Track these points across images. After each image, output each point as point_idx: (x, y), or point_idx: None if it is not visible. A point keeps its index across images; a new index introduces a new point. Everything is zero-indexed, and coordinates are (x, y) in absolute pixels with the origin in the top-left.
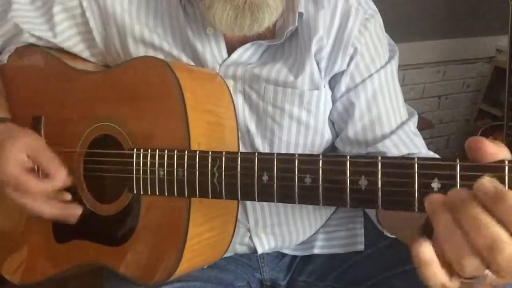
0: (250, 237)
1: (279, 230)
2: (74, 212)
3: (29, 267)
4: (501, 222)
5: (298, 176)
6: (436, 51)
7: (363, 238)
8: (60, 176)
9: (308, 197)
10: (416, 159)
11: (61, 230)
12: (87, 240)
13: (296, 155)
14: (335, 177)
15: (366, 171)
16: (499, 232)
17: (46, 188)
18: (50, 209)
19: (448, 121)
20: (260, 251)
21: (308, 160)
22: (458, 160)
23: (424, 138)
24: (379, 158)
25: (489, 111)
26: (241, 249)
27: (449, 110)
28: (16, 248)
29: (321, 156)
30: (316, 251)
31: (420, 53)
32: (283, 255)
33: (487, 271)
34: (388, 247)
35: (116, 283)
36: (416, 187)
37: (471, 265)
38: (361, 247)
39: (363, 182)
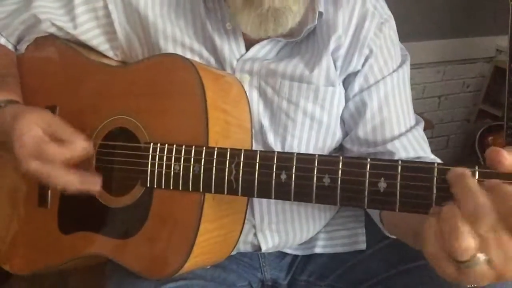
0: (255, 234)
1: (283, 227)
2: (95, 179)
3: (31, 258)
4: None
5: (316, 176)
6: (436, 51)
7: (365, 237)
8: (80, 141)
9: (325, 197)
10: (436, 164)
11: (67, 221)
12: (94, 232)
13: (316, 155)
14: (354, 178)
15: (386, 174)
16: (485, 201)
17: (67, 154)
18: (74, 179)
19: (448, 121)
20: (264, 248)
21: (328, 160)
22: (477, 167)
23: None
24: (399, 161)
25: (489, 111)
26: (244, 247)
27: (449, 110)
28: (19, 238)
29: (341, 157)
30: (318, 250)
31: (420, 53)
32: (284, 254)
33: (479, 255)
34: (389, 246)
35: (118, 280)
36: (435, 191)
37: (465, 244)
38: (362, 246)
39: (382, 184)
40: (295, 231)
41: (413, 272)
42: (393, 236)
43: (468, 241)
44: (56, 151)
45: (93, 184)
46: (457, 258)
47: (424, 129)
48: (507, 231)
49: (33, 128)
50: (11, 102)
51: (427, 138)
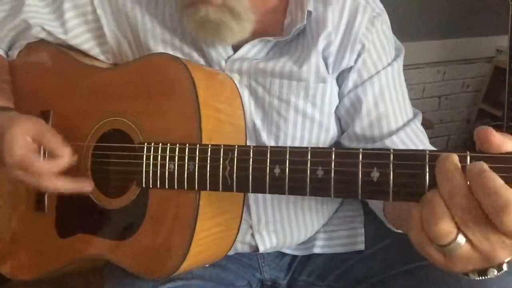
0: (252, 235)
1: (281, 227)
2: (87, 183)
3: (30, 262)
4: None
5: (310, 169)
6: (436, 51)
7: (364, 237)
8: (65, 154)
9: (319, 189)
10: (427, 151)
11: (65, 225)
12: (92, 234)
13: (309, 148)
14: (347, 169)
15: (378, 163)
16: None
17: (53, 167)
18: (63, 184)
19: (448, 121)
20: (261, 249)
21: (321, 152)
22: (468, 152)
23: None
24: (391, 150)
25: (489, 111)
26: (242, 247)
27: (449, 110)
28: (18, 243)
29: (333, 148)
30: (316, 250)
31: (420, 53)
32: (284, 254)
33: (459, 238)
34: (388, 246)
35: (117, 281)
36: (427, 178)
37: (443, 228)
38: (361, 246)
39: (375, 174)
40: (293, 231)
41: (412, 272)
42: (398, 231)
43: (446, 225)
44: (42, 166)
45: (84, 185)
46: (438, 242)
47: (424, 129)
48: (483, 212)
49: (22, 138)
50: (5, 109)
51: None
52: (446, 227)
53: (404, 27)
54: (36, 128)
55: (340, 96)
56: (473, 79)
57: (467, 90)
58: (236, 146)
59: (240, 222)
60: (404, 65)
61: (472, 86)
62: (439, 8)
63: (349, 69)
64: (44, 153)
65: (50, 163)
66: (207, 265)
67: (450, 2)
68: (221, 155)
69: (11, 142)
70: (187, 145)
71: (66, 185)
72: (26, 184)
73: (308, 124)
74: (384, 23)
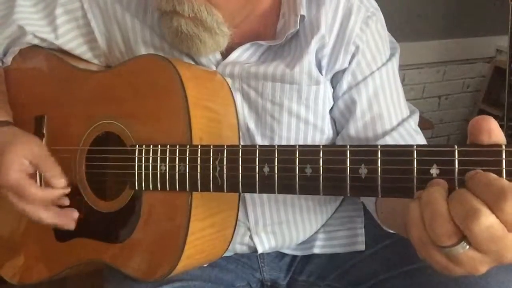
0: (250, 236)
1: (279, 229)
2: (71, 217)
3: (29, 266)
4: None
5: (298, 167)
6: (436, 51)
7: (364, 238)
8: (60, 186)
9: (308, 187)
10: (414, 146)
11: (62, 229)
12: (88, 238)
13: (297, 146)
14: (335, 166)
15: (366, 159)
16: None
17: (46, 196)
18: (48, 216)
19: (448, 121)
20: (260, 250)
21: (309, 150)
22: (456, 146)
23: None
24: (379, 146)
25: (489, 111)
26: (241, 248)
27: (449, 110)
28: (16, 248)
29: (321, 146)
30: (316, 251)
31: (420, 53)
32: (283, 255)
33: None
34: (388, 247)
35: (116, 284)
36: (415, 174)
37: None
38: (361, 247)
39: (363, 170)
40: (291, 232)
41: (412, 274)
42: (390, 231)
43: (449, 226)
44: (35, 193)
45: (67, 222)
46: (441, 244)
47: (424, 129)
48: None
49: (20, 161)
50: (6, 123)
51: (427, 138)
52: (449, 229)
53: (404, 27)
54: (35, 153)
55: (335, 98)
56: (473, 79)
57: (467, 90)
58: (225, 146)
59: (236, 222)
60: (404, 65)
61: (472, 86)
62: (439, 8)
63: (343, 71)
64: (40, 177)
65: (44, 192)
66: (205, 265)
67: (450, 2)
68: (211, 155)
69: (8, 164)
70: (178, 146)
71: (49, 218)
72: (13, 206)
73: (302, 127)
74: (378, 22)
